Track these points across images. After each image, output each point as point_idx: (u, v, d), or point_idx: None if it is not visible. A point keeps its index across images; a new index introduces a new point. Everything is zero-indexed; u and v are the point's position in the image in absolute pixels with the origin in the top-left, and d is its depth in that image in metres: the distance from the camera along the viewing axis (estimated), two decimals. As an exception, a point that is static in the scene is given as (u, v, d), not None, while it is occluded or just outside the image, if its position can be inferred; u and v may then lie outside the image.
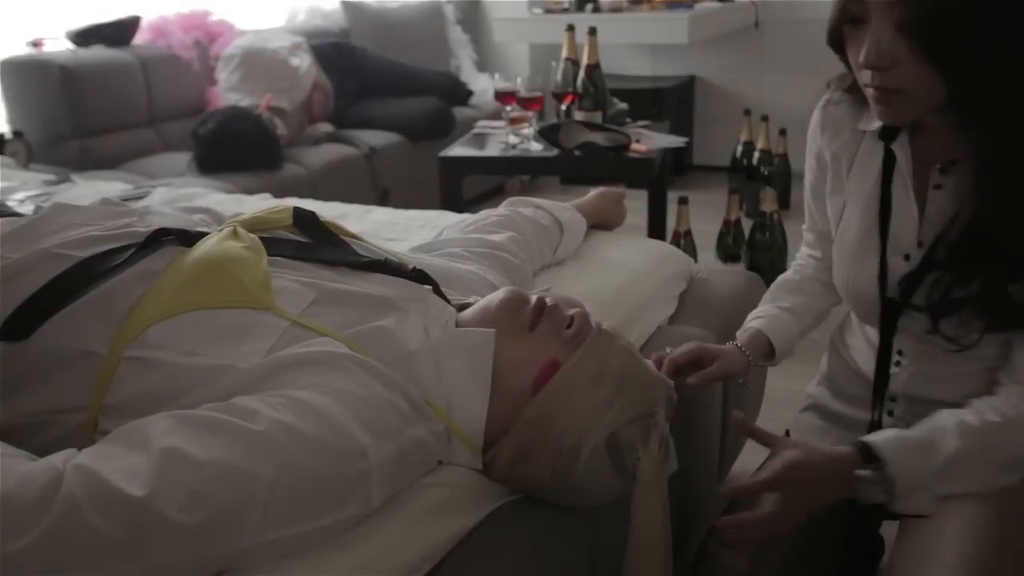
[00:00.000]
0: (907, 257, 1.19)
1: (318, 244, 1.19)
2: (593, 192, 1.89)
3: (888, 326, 1.23)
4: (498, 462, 1.02)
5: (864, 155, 1.24)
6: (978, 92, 1.02)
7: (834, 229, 1.30)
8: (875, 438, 1.09)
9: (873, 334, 1.28)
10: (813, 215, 1.40)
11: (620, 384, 1.01)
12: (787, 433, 1.42)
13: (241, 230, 1.12)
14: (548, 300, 1.08)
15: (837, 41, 1.13)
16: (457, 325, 1.10)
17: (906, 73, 1.03)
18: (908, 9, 0.99)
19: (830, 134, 1.28)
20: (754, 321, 1.38)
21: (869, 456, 1.09)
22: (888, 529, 1.27)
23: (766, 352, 1.35)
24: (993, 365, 1.17)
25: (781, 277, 1.47)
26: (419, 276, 1.16)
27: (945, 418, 1.10)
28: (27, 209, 2.17)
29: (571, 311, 1.07)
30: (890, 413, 1.28)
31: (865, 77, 1.08)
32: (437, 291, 1.16)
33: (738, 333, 1.38)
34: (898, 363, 1.25)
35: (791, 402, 1.54)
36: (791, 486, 1.07)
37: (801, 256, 1.48)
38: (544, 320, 1.06)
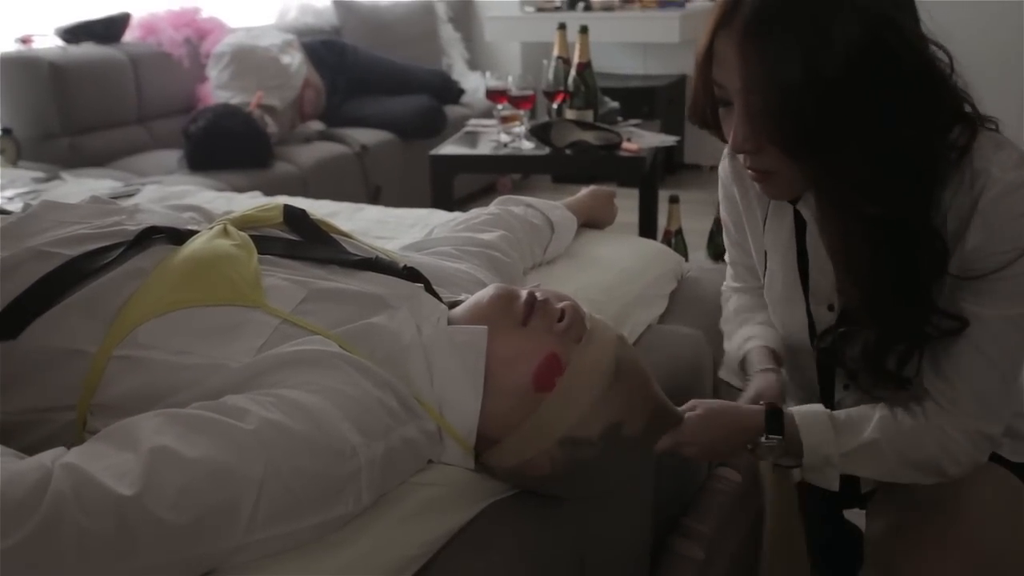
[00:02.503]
0: (831, 307, 1.19)
1: (308, 242, 1.18)
2: (584, 191, 1.89)
3: (826, 371, 1.25)
4: (500, 461, 1.03)
5: (776, 207, 1.23)
6: (825, 181, 1.03)
7: (762, 275, 1.30)
8: (797, 408, 1.15)
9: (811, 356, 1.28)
10: (736, 258, 1.40)
11: (616, 373, 1.02)
12: None
13: (231, 228, 1.12)
14: (538, 294, 1.07)
15: (701, 119, 1.13)
16: (449, 323, 1.10)
17: (773, 156, 1.03)
18: (756, 99, 0.99)
19: (740, 184, 1.28)
20: (749, 342, 1.32)
21: (775, 423, 1.12)
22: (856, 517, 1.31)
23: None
24: None
25: (731, 308, 1.43)
26: (410, 274, 1.16)
27: (870, 409, 1.13)
28: (16, 207, 2.17)
29: (561, 304, 1.07)
30: None
31: (741, 159, 1.08)
32: (429, 289, 1.16)
33: (748, 356, 1.31)
34: (847, 386, 1.25)
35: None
36: (700, 439, 1.12)
37: (730, 290, 1.45)
38: (536, 314, 1.05)
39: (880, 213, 1.00)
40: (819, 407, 1.14)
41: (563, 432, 1.00)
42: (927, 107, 0.99)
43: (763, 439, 1.12)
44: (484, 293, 1.11)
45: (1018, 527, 1.11)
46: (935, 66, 1.00)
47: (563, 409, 1.00)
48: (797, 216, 1.19)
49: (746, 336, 1.33)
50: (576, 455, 1.00)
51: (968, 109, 1.02)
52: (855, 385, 1.19)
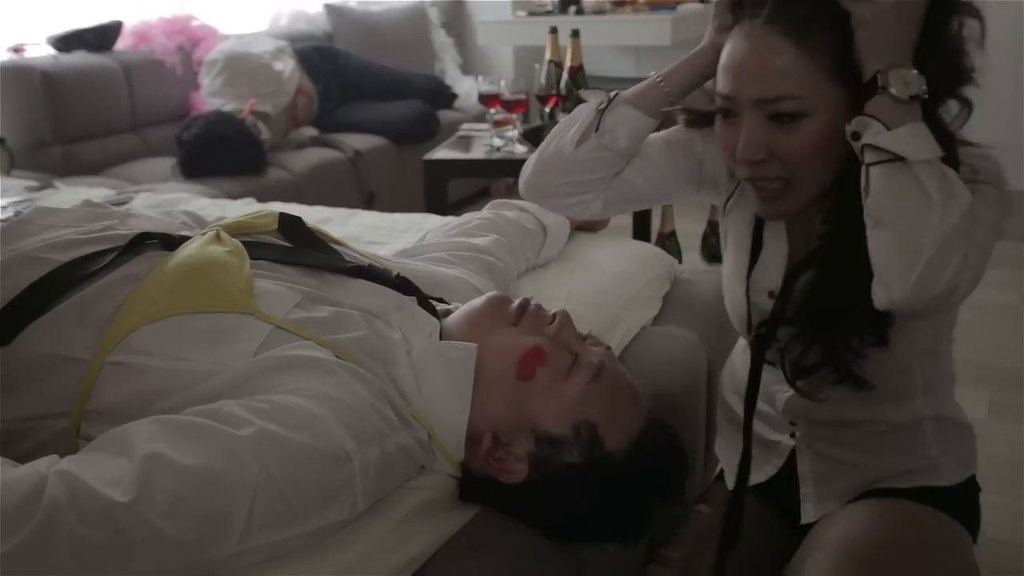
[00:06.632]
0: (771, 294, 1.18)
1: (302, 249, 1.18)
2: (577, 194, 1.89)
3: (757, 361, 1.22)
4: (480, 463, 1.03)
5: (741, 191, 1.21)
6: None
7: (724, 247, 1.29)
8: None
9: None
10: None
11: (597, 375, 1.05)
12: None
13: (224, 234, 1.12)
14: (531, 301, 1.10)
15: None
16: (442, 332, 1.11)
17: (785, 162, 1.03)
18: (770, 103, 1.00)
19: (714, 150, 1.21)
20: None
21: None
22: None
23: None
24: (893, 373, 1.15)
25: None
26: (403, 285, 1.16)
27: None
28: (8, 216, 2.16)
29: (553, 311, 1.10)
30: (792, 435, 1.27)
31: (743, 171, 1.07)
32: (423, 301, 1.16)
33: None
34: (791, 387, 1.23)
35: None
36: None
37: None
38: (528, 316, 1.08)
39: None
40: None
41: (538, 424, 1.01)
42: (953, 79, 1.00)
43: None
44: (479, 299, 1.13)
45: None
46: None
47: (541, 400, 1.02)
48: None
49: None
50: (553, 460, 1.01)
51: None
52: (794, 388, 1.18)
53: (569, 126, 1.21)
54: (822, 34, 0.98)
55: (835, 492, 1.23)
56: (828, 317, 1.08)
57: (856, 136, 0.97)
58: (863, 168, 0.96)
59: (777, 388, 1.25)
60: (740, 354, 1.38)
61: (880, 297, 0.96)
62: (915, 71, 0.96)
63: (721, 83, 1.05)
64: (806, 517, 1.24)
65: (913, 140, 0.94)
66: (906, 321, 1.07)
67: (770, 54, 0.99)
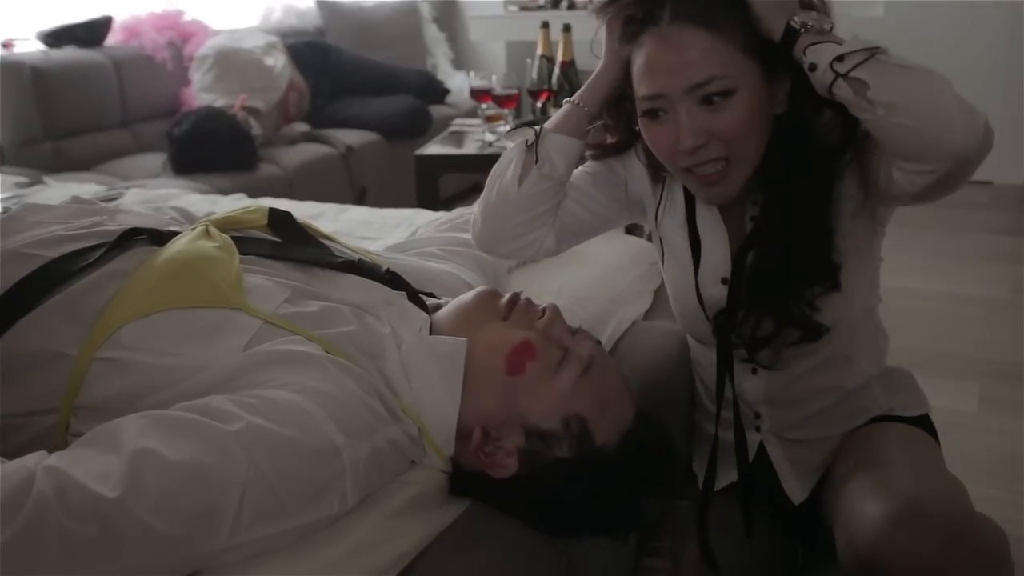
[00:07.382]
0: (724, 280, 1.23)
1: (292, 245, 1.18)
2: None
3: (723, 352, 1.26)
4: (470, 458, 1.03)
5: (669, 198, 1.28)
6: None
7: (660, 261, 1.35)
8: None
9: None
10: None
11: (586, 369, 1.05)
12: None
13: (213, 229, 1.12)
14: (521, 296, 1.10)
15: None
16: (432, 327, 1.11)
17: (723, 141, 1.08)
18: (701, 87, 1.05)
19: (633, 170, 1.30)
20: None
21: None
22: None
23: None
24: (841, 338, 1.22)
25: None
26: (393, 280, 1.16)
27: None
28: (-2, 212, 2.15)
29: (543, 305, 1.10)
30: (757, 428, 1.33)
31: (683, 161, 1.11)
32: (413, 296, 1.16)
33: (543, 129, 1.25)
34: (755, 371, 1.29)
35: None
36: None
37: None
38: (517, 310, 1.08)
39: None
40: None
41: (527, 418, 1.01)
42: None
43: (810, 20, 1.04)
44: (469, 293, 1.14)
45: (931, 464, 1.18)
46: None
47: (530, 394, 1.02)
48: (687, 202, 1.25)
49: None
50: (543, 454, 1.01)
51: None
52: (754, 361, 1.24)
53: (503, 171, 1.25)
54: (724, 16, 1.05)
55: (810, 468, 1.30)
56: (780, 281, 1.16)
57: (813, 67, 1.02)
58: (837, 81, 1.00)
59: (739, 382, 1.30)
60: (697, 367, 1.44)
61: (925, 169, 1.00)
62: (812, 11, 1.05)
63: (647, 86, 1.10)
64: (797, 497, 1.31)
65: (865, 40, 1.00)
66: (850, 278, 1.16)
67: (688, 44, 1.05)
